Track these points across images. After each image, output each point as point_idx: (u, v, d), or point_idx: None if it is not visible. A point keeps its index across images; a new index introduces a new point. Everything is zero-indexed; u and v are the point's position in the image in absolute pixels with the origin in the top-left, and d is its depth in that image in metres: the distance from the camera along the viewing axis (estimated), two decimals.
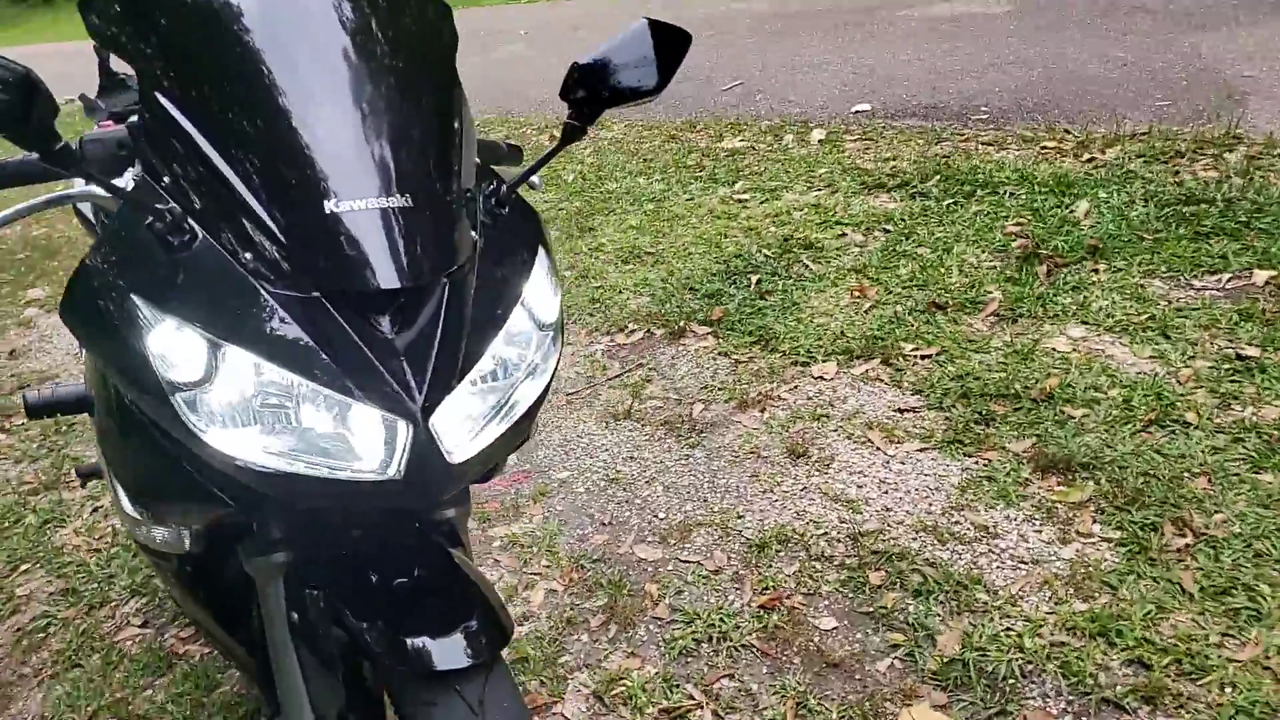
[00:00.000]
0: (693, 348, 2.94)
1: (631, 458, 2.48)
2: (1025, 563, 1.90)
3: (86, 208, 1.84)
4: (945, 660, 1.70)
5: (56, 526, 2.61)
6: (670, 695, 1.75)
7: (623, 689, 1.78)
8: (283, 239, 0.98)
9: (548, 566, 2.14)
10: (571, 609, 2.00)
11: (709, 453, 2.44)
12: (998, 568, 1.90)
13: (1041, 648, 1.69)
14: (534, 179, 1.48)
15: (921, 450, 2.27)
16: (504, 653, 1.13)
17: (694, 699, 1.73)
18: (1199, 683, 1.58)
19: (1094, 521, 1.96)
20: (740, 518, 2.18)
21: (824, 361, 2.69)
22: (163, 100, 1.04)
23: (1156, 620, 1.71)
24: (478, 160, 1.23)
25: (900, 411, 2.43)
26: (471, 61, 8.00)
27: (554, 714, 1.76)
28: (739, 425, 2.52)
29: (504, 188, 1.20)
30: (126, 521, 1.26)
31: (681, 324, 3.05)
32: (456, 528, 1.29)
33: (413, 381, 0.98)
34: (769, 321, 2.94)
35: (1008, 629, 1.75)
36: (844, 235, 3.40)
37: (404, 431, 0.97)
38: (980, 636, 1.73)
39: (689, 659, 1.83)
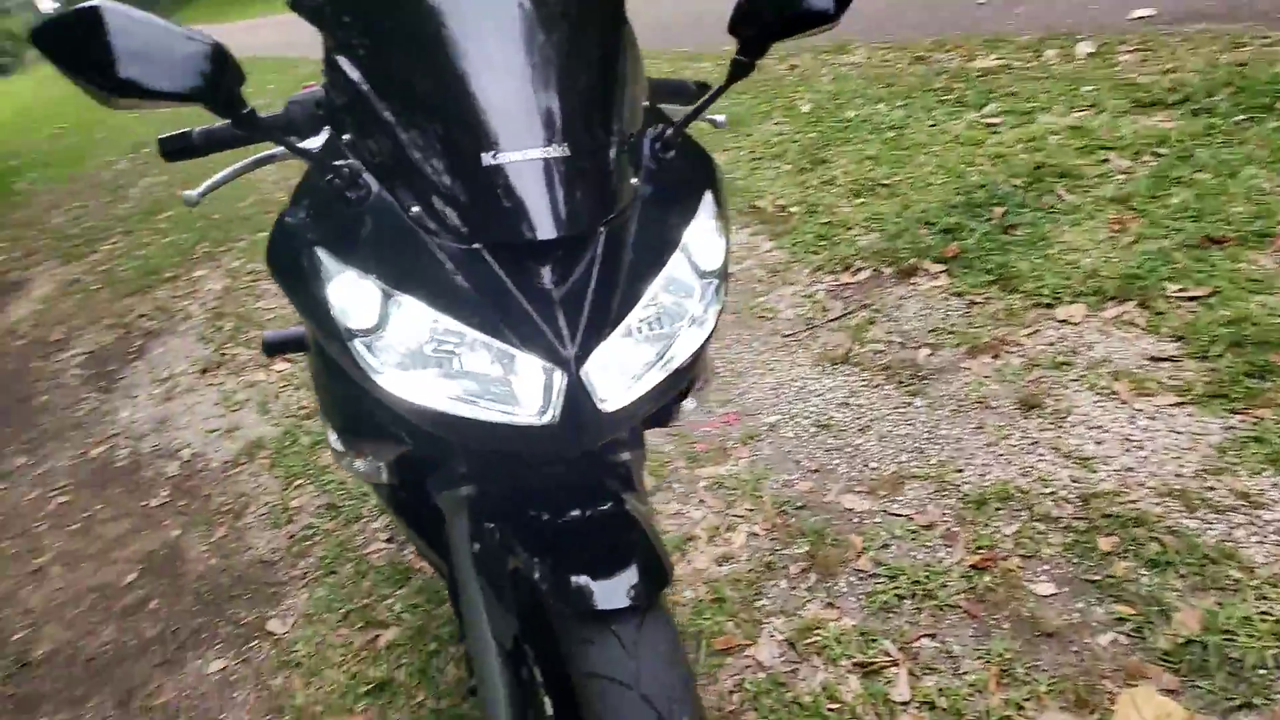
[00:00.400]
0: (923, 287, 2.77)
1: (845, 404, 2.39)
2: None
3: None
4: (1181, 641, 1.52)
5: (324, 448, 2.93)
6: (866, 650, 1.70)
7: (817, 639, 1.74)
8: (444, 192, 1.01)
9: (751, 510, 2.12)
10: (771, 554, 1.98)
11: (931, 401, 2.30)
12: (1258, 542, 1.66)
13: None
14: (718, 118, 1.44)
15: (1177, 405, 2.02)
16: (668, 597, 1.12)
17: (890, 656, 1.67)
18: None
19: None
20: (959, 472, 2.05)
21: (1070, 303, 2.45)
22: (341, 60, 1.09)
23: None
24: (646, 103, 1.20)
25: (1155, 360, 2.17)
26: None
27: (746, 656, 1.76)
28: (967, 372, 2.36)
29: (669, 131, 1.16)
30: (334, 454, 1.38)
31: (913, 261, 2.88)
32: (631, 470, 1.30)
33: (566, 331, 0.99)
34: (1011, 259, 2.71)
35: (1264, 613, 1.53)
36: (1106, 161, 3.04)
37: (558, 379, 0.98)
38: (1228, 618, 1.53)
39: (889, 614, 1.76)
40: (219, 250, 5.30)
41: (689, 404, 1.40)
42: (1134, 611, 1.60)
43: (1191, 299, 2.30)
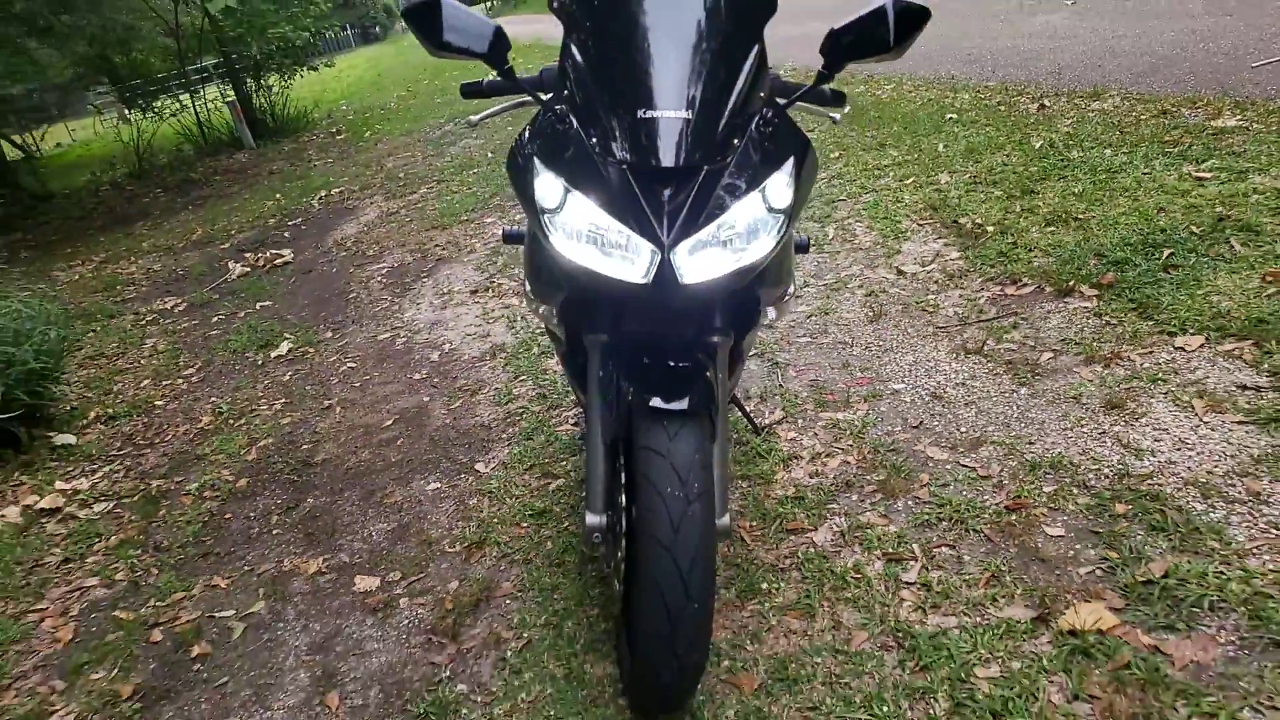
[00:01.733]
0: (1072, 306, 3.08)
1: (963, 384, 2.79)
2: (1279, 528, 1.92)
3: None
4: (1142, 580, 1.87)
5: (548, 356, 3.68)
6: (897, 547, 2.15)
7: (864, 535, 2.22)
8: (611, 130, 1.64)
9: (850, 446, 2.60)
10: (854, 477, 2.46)
11: (1034, 392, 2.66)
12: (1246, 526, 1.95)
13: (1243, 593, 1.77)
14: (834, 115, 1.98)
15: (1239, 423, 2.28)
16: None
17: (912, 553, 2.12)
18: None
19: None
20: (1030, 444, 2.42)
21: (1192, 334, 2.70)
22: (569, 44, 1.76)
23: None
24: (763, 94, 1.77)
25: (1241, 388, 2.41)
26: (993, 30, 8.06)
27: (806, 537, 2.27)
28: (1075, 375, 2.69)
29: (770, 113, 1.72)
30: (526, 301, 2.05)
31: (1072, 284, 3.19)
32: (717, 350, 1.85)
33: (666, 226, 1.58)
34: (1159, 293, 2.96)
35: (1220, 573, 1.84)
36: None
37: (655, 256, 1.58)
38: (1188, 571, 1.86)
39: (925, 528, 2.20)
40: (508, 204, 6.32)
41: (771, 313, 1.95)
42: (1117, 556, 1.96)
43: None
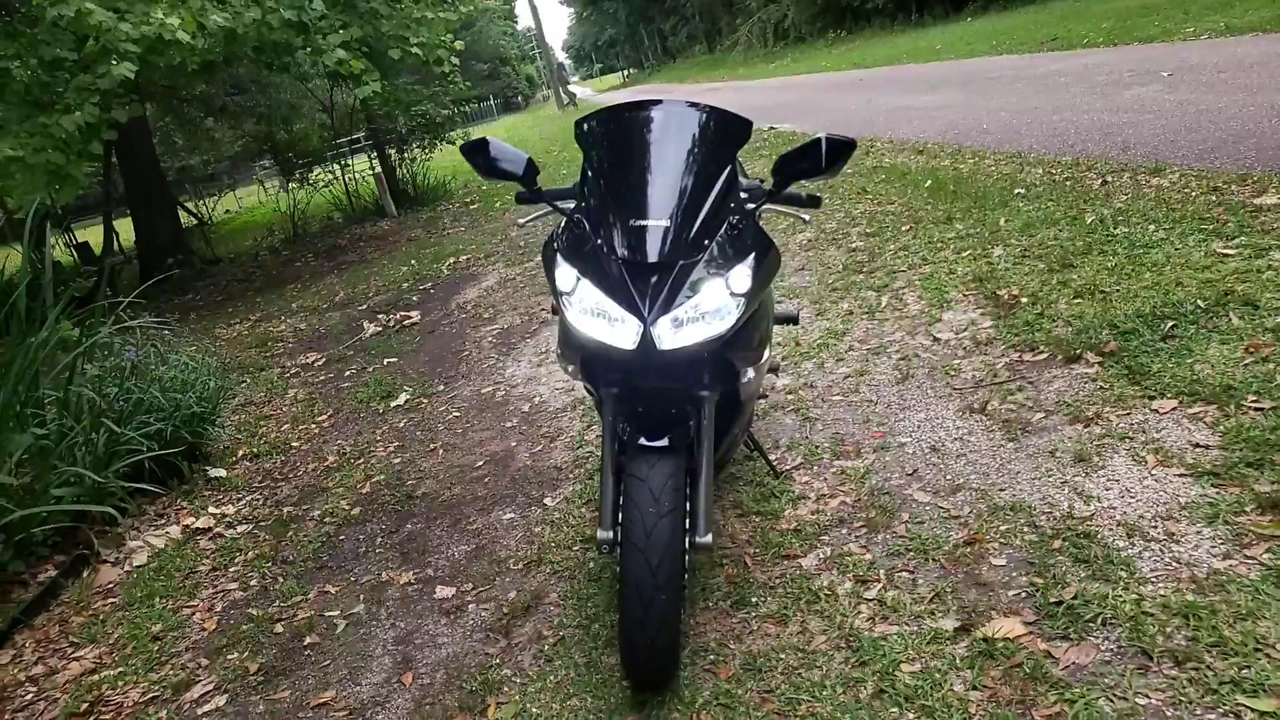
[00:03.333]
0: (1075, 372, 3.42)
1: (960, 438, 3.18)
2: (1179, 563, 2.25)
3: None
4: (1054, 600, 2.23)
5: None
6: (866, 571, 2.57)
7: (843, 561, 2.65)
8: (611, 233, 2.20)
9: (851, 489, 3.03)
10: (848, 514, 2.89)
11: (1019, 446, 3.03)
12: (1153, 560, 2.29)
13: (1133, 614, 2.12)
14: (804, 215, 2.47)
15: (1179, 475, 2.60)
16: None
17: (878, 576, 2.53)
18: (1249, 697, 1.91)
19: (1269, 553, 2.20)
20: (1001, 490, 2.80)
21: (1169, 398, 3.01)
22: (586, 166, 2.34)
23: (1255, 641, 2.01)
24: (733, 204, 2.29)
25: (1195, 445, 2.72)
26: (1084, 103, 8.28)
27: (797, 562, 2.71)
28: (1059, 432, 3.04)
29: (738, 220, 2.25)
30: (559, 361, 2.59)
31: (1080, 352, 3.52)
32: (704, 403, 2.35)
33: (648, 306, 2.12)
34: (1152, 361, 3.27)
35: (1118, 595, 2.19)
36: None
37: (639, 328, 2.11)
38: (1094, 594, 2.22)
39: (895, 557, 2.61)
40: None
41: (750, 373, 2.44)
42: (1043, 581, 2.33)
43: (1260, 409, 2.79)
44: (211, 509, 4.41)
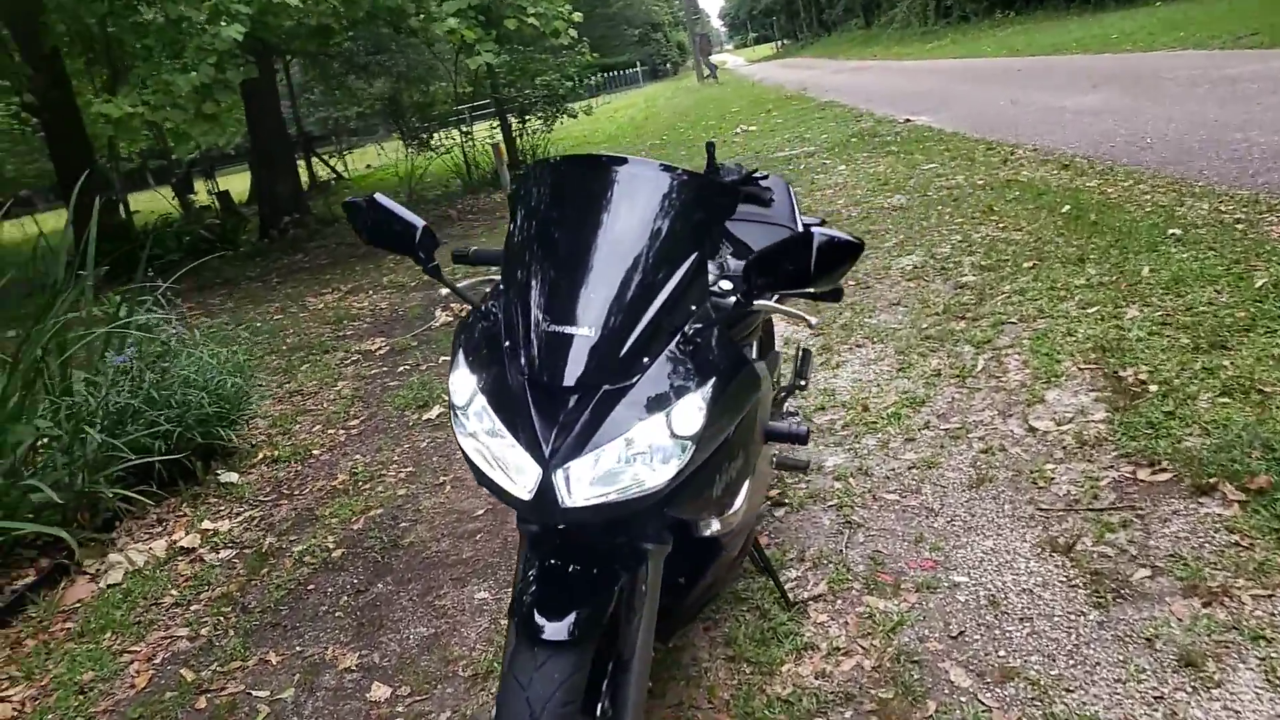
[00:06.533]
0: (1205, 510, 2.60)
1: (1029, 590, 2.44)
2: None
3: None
4: None
5: None
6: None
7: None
8: (520, 339, 1.61)
9: (874, 646, 2.35)
10: (860, 688, 2.21)
11: (1106, 619, 2.27)
12: None
13: None
14: (811, 319, 1.82)
15: None
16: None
17: None
18: None
19: None
20: (1067, 691, 2.07)
21: None
22: (510, 238, 1.74)
23: None
24: (694, 306, 1.66)
25: None
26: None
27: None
28: (1164, 606, 2.26)
29: (697, 329, 1.62)
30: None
31: (1215, 480, 2.70)
32: (649, 557, 1.73)
33: (553, 444, 1.52)
34: None
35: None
36: None
37: (537, 474, 1.52)
38: None
39: None
40: None
41: (715, 525, 1.81)
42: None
43: None
44: (207, 522, 4.08)
